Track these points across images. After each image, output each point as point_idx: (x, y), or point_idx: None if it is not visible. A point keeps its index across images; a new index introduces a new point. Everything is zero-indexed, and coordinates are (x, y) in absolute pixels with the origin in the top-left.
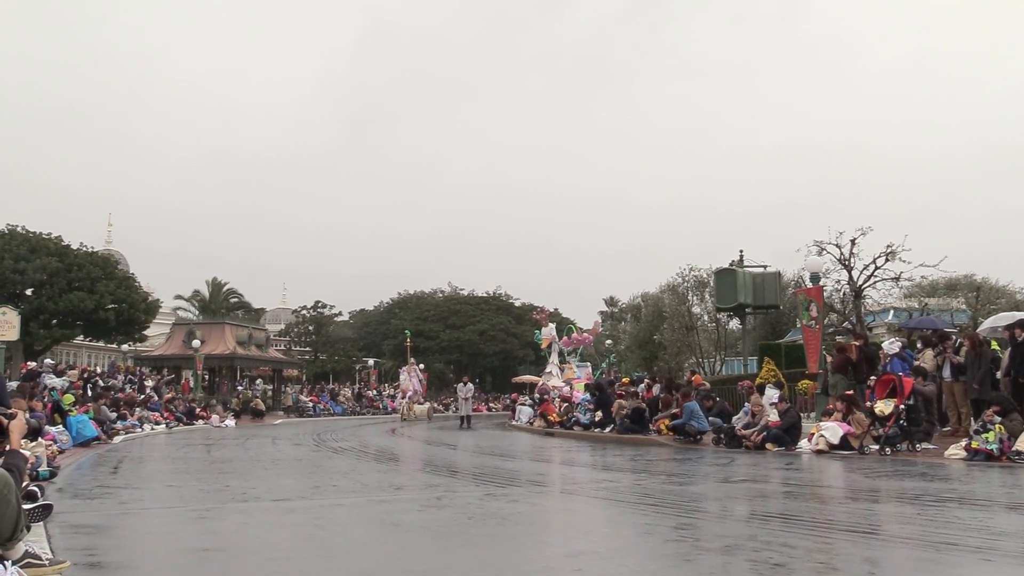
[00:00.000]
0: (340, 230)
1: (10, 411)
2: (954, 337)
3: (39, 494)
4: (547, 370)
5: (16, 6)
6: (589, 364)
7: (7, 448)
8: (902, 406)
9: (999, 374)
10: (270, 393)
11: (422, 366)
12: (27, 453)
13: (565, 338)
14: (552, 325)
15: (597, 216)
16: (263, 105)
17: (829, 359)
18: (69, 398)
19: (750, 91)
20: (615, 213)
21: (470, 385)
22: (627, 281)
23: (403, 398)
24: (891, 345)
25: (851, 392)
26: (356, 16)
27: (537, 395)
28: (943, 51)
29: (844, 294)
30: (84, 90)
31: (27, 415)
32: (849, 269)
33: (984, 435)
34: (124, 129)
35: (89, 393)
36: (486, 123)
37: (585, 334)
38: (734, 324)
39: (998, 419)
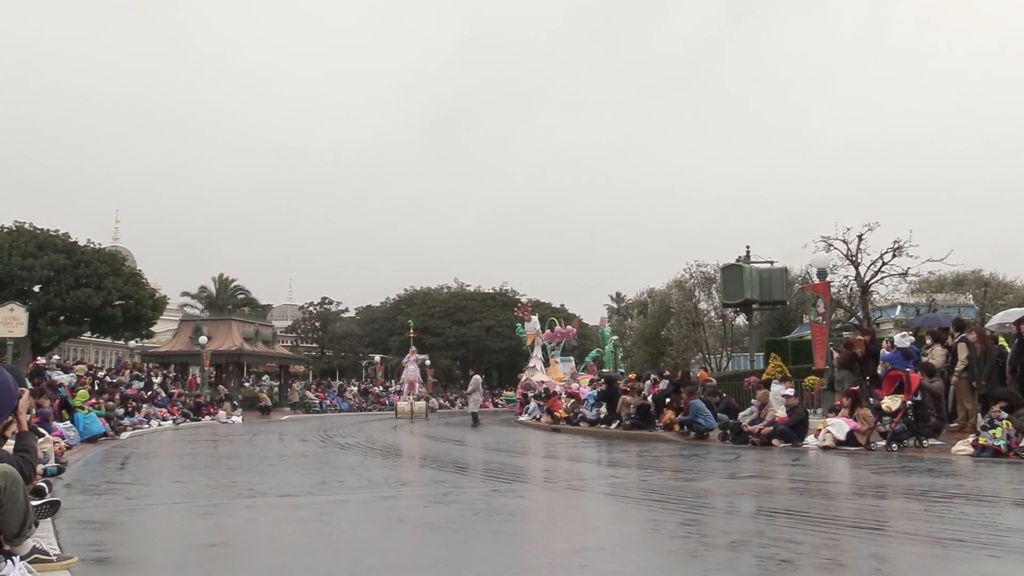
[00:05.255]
0: (370, 228)
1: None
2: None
3: (47, 490)
4: (530, 364)
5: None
6: (572, 359)
7: (16, 432)
8: (908, 402)
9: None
10: (276, 389)
11: (427, 359)
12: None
13: (548, 332)
14: (535, 319)
15: (646, 211)
16: (319, 100)
17: (836, 355)
18: (84, 395)
19: (818, 89)
20: (662, 209)
21: (477, 377)
22: (653, 276)
23: (409, 392)
24: (903, 339)
25: (857, 388)
26: (456, 23)
27: (521, 391)
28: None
29: (851, 290)
30: (88, 86)
31: (34, 409)
32: (856, 265)
33: (991, 431)
34: (135, 124)
35: (96, 388)
36: (556, 125)
37: (568, 327)
38: (741, 320)
39: (1005, 415)
